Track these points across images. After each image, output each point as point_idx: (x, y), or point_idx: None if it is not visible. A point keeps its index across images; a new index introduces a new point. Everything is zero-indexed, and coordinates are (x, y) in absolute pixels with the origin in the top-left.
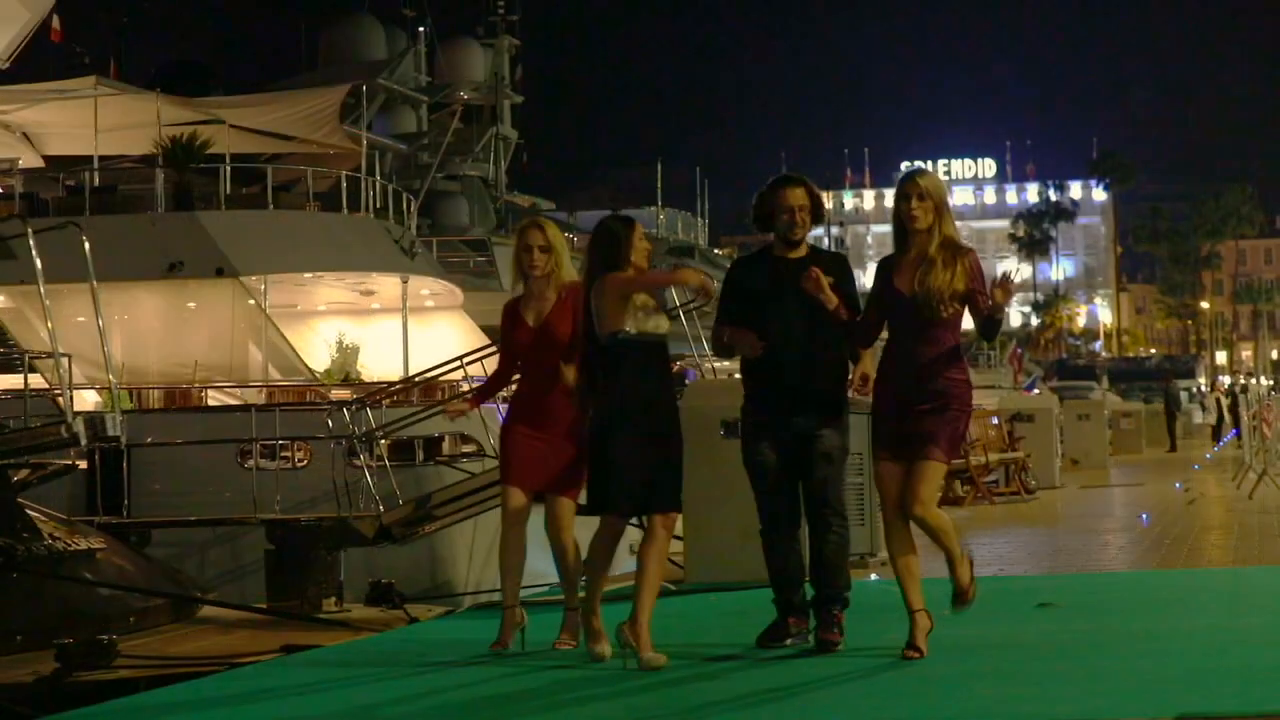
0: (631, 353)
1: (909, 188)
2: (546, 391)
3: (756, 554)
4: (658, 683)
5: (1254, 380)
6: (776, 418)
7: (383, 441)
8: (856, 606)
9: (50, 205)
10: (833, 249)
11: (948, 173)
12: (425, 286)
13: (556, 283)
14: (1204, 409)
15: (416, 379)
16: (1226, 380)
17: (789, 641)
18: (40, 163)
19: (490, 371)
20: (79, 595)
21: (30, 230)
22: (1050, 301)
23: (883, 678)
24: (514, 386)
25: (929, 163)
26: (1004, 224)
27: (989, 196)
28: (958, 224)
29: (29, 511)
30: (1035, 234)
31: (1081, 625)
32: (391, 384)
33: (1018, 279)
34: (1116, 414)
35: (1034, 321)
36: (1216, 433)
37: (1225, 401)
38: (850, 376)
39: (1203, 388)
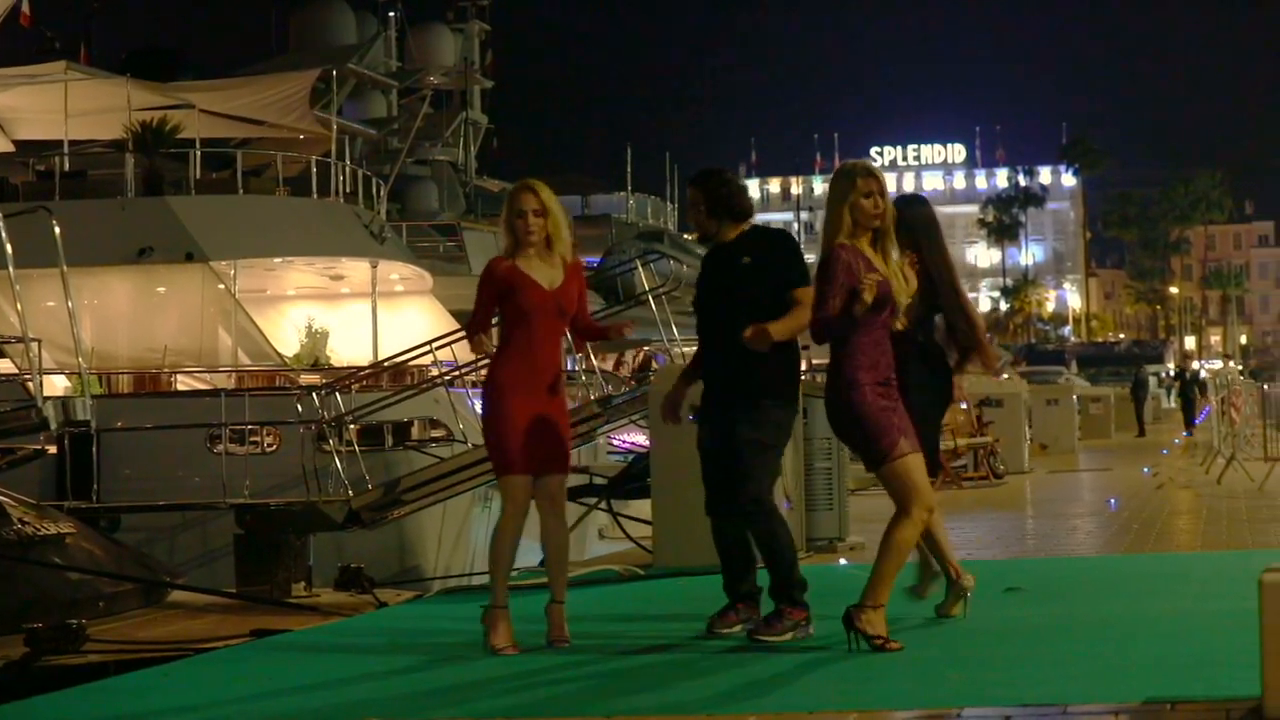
0: None
1: (872, 184)
2: (550, 361)
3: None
4: (626, 668)
5: (1215, 365)
6: (709, 404)
7: (352, 426)
8: (825, 591)
9: (20, 190)
10: (801, 235)
11: (917, 158)
12: (395, 271)
13: (557, 252)
14: (1169, 394)
15: (386, 364)
16: (1195, 364)
17: (737, 628)
18: (10, 147)
19: (456, 341)
20: (48, 580)
21: (0, 215)
22: (1019, 287)
23: (850, 662)
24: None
25: (898, 148)
26: (973, 209)
27: (958, 182)
28: None
29: None
30: (1004, 219)
31: (1049, 610)
32: (361, 369)
33: (987, 264)
34: (1085, 399)
35: (1003, 306)
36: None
37: (1175, 385)
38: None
39: (1171, 372)
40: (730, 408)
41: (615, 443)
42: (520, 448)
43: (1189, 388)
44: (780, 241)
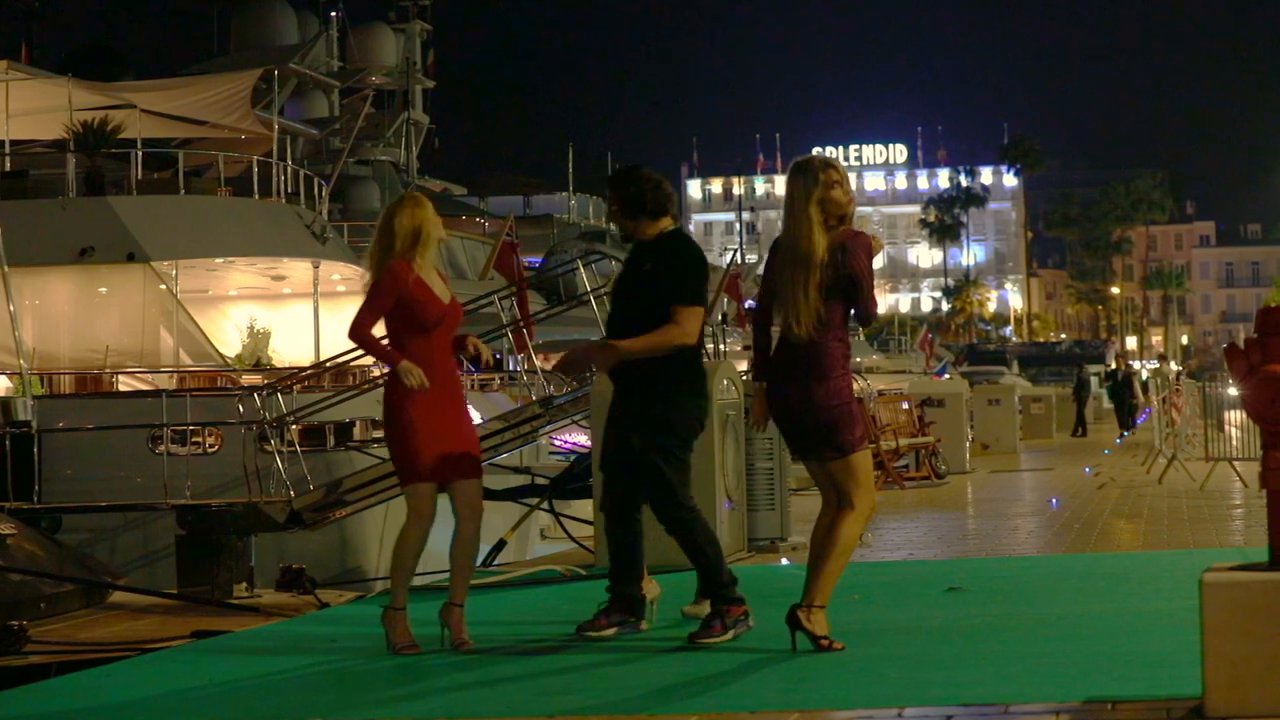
0: None
1: (834, 174)
2: (449, 372)
3: (663, 538)
4: (568, 667)
5: (1152, 365)
6: (614, 404)
7: (294, 426)
8: (767, 591)
9: None
10: (743, 235)
11: (859, 158)
12: (336, 271)
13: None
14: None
15: (328, 364)
16: (1135, 364)
17: (609, 632)
18: None
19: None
20: None
21: None
22: (961, 287)
23: (792, 661)
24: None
25: (840, 148)
26: (915, 209)
27: (900, 182)
28: (868, 210)
29: None
30: (946, 219)
31: (990, 609)
32: (302, 369)
33: (929, 264)
34: (1027, 399)
35: (945, 306)
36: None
37: (1105, 385)
38: None
39: (1105, 373)
40: (631, 410)
41: (557, 443)
42: (427, 456)
43: (1120, 389)
44: (681, 253)
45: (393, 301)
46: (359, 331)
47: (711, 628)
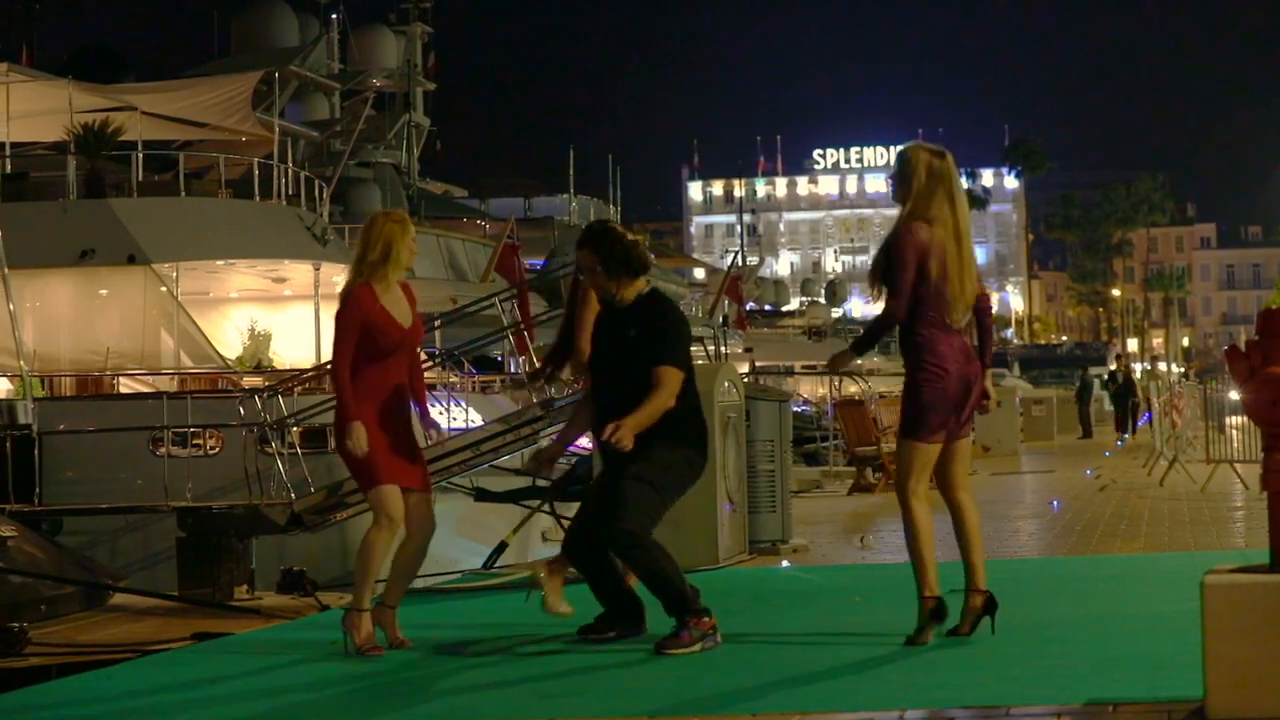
0: None
1: None
2: (402, 393)
3: (669, 541)
4: (568, 670)
5: (1159, 366)
6: (604, 453)
7: (294, 429)
8: (767, 593)
9: None
10: (744, 237)
11: (860, 160)
12: (337, 273)
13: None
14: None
15: (328, 366)
16: (1137, 366)
17: (610, 635)
18: None
19: (335, 368)
20: None
21: None
22: None
23: (793, 663)
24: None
25: (841, 150)
26: None
27: None
28: (869, 212)
29: None
30: None
31: None
32: (303, 371)
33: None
34: (1028, 401)
35: None
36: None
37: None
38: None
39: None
40: (633, 454)
41: None
42: (386, 460)
43: (1122, 391)
44: (660, 316)
45: (360, 327)
46: (338, 373)
47: (680, 638)
